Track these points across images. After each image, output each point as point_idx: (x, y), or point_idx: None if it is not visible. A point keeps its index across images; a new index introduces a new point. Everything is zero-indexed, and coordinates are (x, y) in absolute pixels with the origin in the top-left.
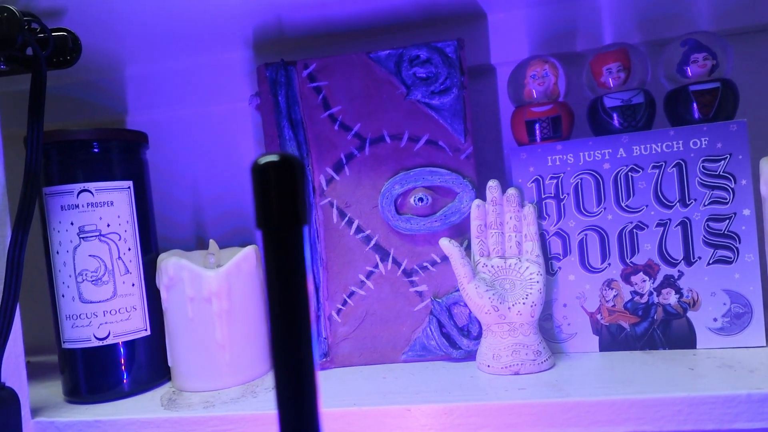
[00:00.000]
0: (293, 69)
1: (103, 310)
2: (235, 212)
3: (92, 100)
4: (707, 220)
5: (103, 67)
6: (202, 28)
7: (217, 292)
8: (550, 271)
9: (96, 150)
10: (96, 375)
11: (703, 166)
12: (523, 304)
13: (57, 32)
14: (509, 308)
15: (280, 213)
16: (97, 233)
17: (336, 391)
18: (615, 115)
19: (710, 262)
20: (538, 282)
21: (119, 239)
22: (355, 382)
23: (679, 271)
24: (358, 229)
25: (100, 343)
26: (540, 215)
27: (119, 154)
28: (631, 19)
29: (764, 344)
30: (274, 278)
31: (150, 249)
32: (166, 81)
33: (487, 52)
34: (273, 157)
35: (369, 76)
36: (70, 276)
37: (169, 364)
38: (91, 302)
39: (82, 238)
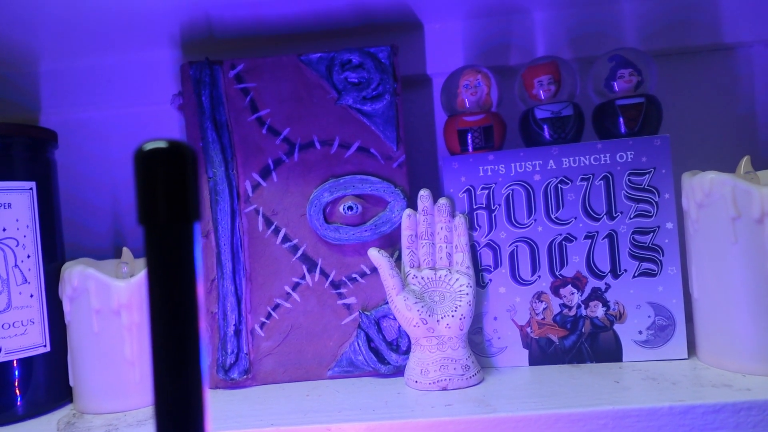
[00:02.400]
0: (219, 69)
1: None
2: None
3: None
4: (633, 232)
5: (14, 61)
6: (125, 22)
7: (128, 305)
8: (480, 284)
9: None
10: None
11: (629, 180)
12: (452, 316)
13: None
14: (438, 321)
15: (166, 207)
16: None
17: (254, 410)
18: (545, 127)
19: (635, 274)
20: (467, 294)
21: (17, 245)
22: (275, 400)
23: (606, 283)
24: (285, 238)
25: None
26: (471, 226)
27: (21, 151)
28: (563, 37)
29: (686, 356)
30: (156, 285)
31: (54, 257)
32: (84, 78)
33: (423, 62)
34: (160, 144)
35: (299, 79)
36: None
37: (71, 383)
38: None
39: None
